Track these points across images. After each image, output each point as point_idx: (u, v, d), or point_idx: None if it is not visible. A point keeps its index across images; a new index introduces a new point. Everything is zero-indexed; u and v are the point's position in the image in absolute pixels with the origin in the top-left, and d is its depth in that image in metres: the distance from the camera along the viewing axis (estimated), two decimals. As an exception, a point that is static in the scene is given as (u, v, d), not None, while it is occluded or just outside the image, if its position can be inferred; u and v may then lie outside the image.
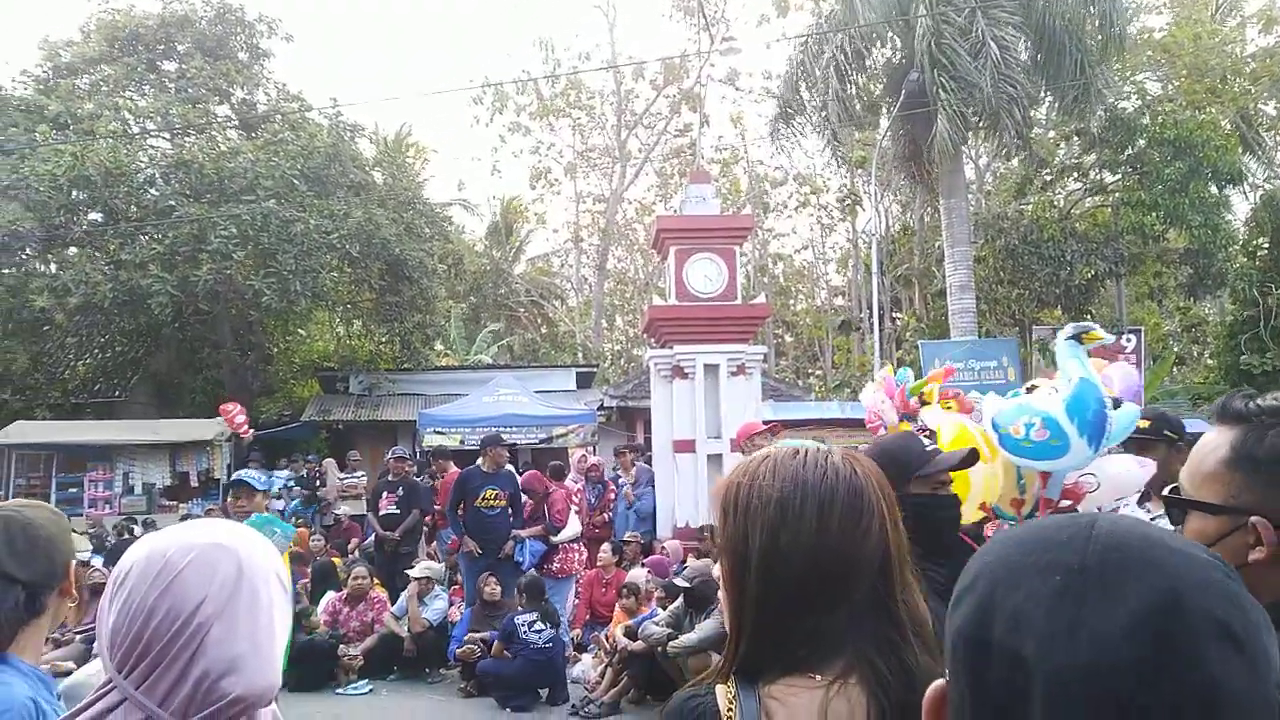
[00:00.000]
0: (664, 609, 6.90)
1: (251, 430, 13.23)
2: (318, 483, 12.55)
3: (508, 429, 12.45)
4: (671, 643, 6.29)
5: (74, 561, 1.62)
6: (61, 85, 15.40)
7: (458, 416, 13.54)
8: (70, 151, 13.46)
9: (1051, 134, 20.25)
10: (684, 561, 8.84)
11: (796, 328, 28.83)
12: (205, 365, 16.86)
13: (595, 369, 20.63)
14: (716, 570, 4.91)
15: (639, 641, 6.59)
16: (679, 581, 6.77)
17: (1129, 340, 16.85)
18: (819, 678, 1.03)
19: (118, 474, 13.19)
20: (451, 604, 8.14)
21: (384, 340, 17.12)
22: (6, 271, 14.23)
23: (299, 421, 15.91)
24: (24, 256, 14.43)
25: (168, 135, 15.73)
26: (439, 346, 22.46)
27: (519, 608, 7.11)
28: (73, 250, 14.67)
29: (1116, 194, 18.42)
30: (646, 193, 29.43)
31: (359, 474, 12.83)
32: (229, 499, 5.21)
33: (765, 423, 6.04)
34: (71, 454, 13.67)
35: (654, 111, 27.79)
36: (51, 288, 13.40)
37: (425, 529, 9.69)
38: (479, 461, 8.17)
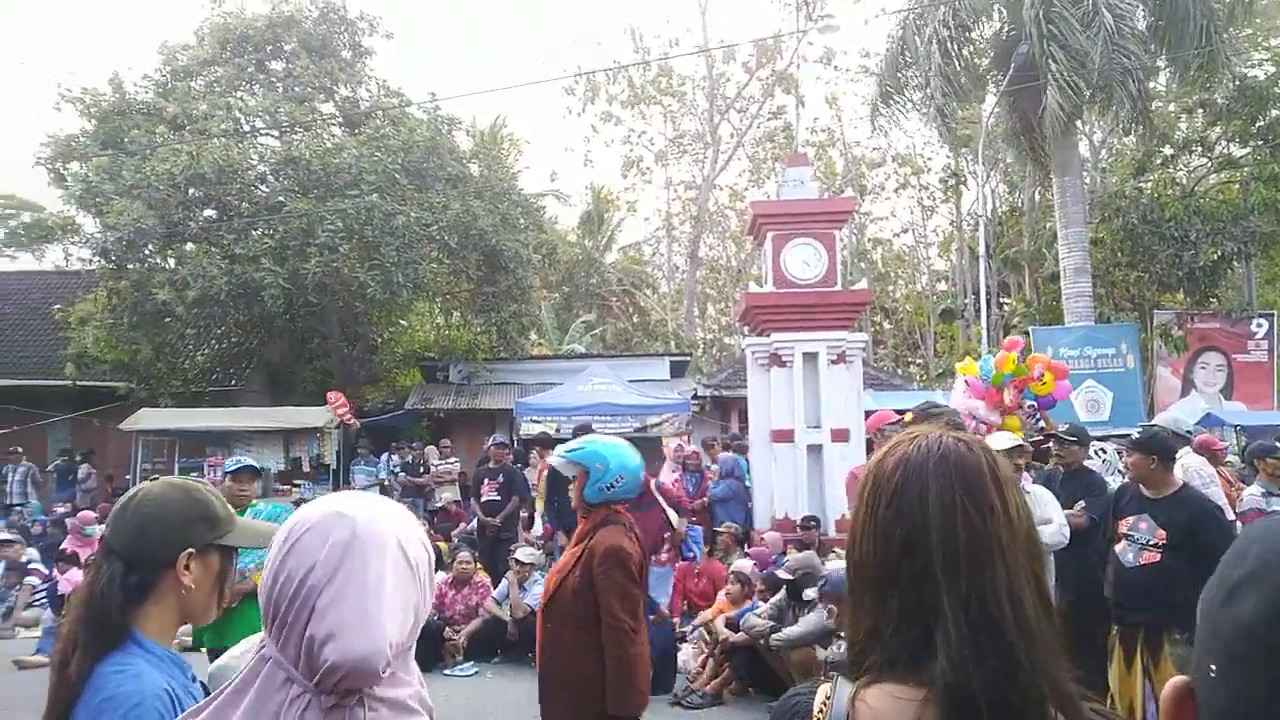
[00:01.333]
0: (765, 601, 6.77)
1: (356, 420, 13.68)
2: (421, 469, 12.89)
3: (601, 418, 12.51)
4: (774, 636, 6.15)
5: (189, 550, 1.54)
6: (178, 88, 16.17)
7: (553, 405, 13.68)
8: (187, 151, 14.14)
9: (1172, 107, 18.99)
10: (783, 553, 8.68)
11: (896, 314, 28.01)
12: (315, 355, 17.51)
13: (688, 358, 20.50)
14: (831, 564, 4.75)
15: (740, 633, 6.48)
16: (781, 573, 6.61)
17: (1259, 326, 15.69)
18: (916, 686, 0.98)
19: (234, 459, 13.84)
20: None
21: (481, 330, 17.42)
22: (131, 267, 15.04)
23: (402, 410, 16.37)
24: (146, 252, 15.20)
25: (276, 133, 16.34)
26: (533, 336, 22.78)
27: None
28: (189, 246, 15.43)
29: (1246, 169, 17.14)
30: (738, 178, 29.08)
31: (453, 460, 13.12)
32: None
33: (897, 411, 5.80)
34: (192, 439, 14.44)
35: (746, 95, 27.39)
36: (172, 282, 14.12)
37: (524, 516, 9.79)
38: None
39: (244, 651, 1.42)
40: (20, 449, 14.59)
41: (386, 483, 12.77)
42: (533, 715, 3.42)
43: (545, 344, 24.19)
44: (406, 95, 16.98)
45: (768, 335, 10.01)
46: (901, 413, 5.84)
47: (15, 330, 18.15)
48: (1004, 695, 0.93)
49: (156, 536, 1.53)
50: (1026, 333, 14.97)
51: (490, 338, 17.43)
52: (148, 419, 13.91)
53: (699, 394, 16.47)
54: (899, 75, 15.58)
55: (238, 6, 16.97)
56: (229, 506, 1.67)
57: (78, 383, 15.80)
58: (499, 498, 9.07)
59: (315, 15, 16.81)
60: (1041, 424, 7.47)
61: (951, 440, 1.08)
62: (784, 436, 9.76)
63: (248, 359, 17.36)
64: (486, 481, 9.17)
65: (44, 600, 9.28)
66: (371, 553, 1.08)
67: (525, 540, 9.22)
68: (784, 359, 9.88)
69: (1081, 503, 5.34)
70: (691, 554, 7.97)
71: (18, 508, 13.62)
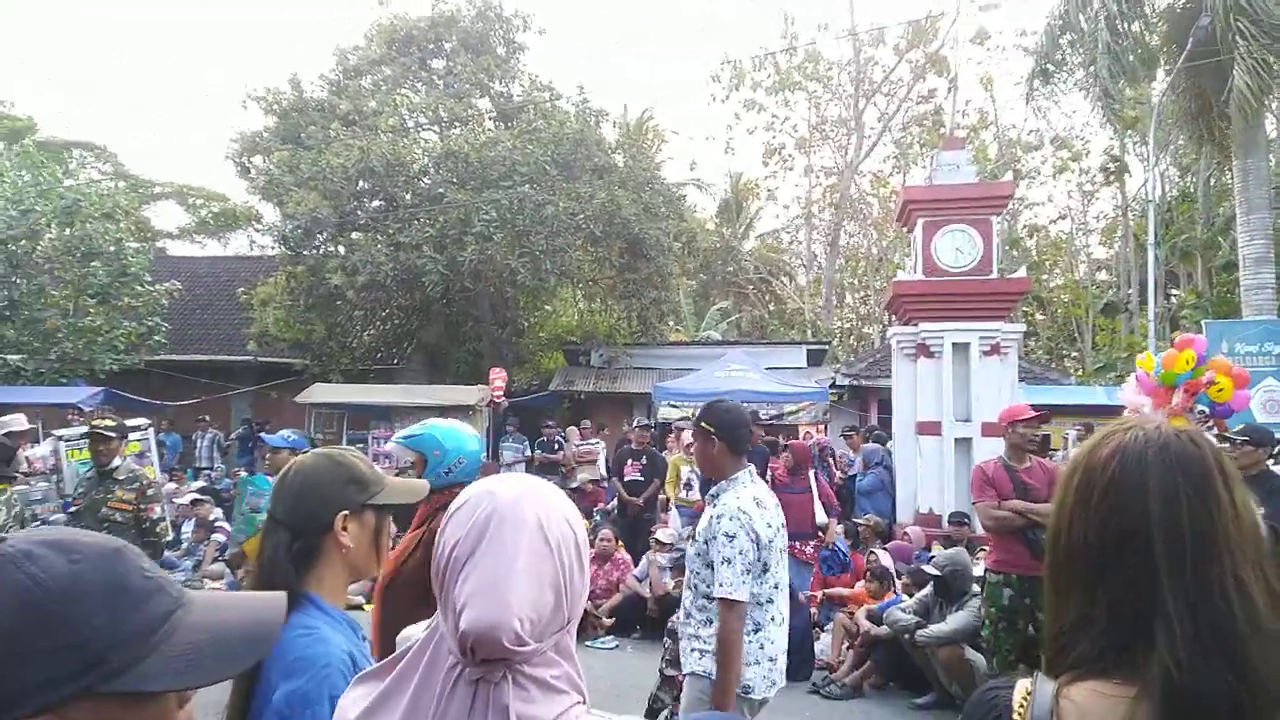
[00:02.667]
0: (910, 595, 6.73)
1: (504, 399, 14.37)
2: (557, 448, 13.41)
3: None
4: (920, 631, 6.13)
5: (344, 512, 1.65)
6: (350, 86, 17.34)
7: (691, 390, 13.88)
8: (358, 146, 15.17)
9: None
10: (926, 548, 8.54)
11: (1051, 305, 26.57)
12: (467, 338, 18.44)
13: (826, 347, 20.25)
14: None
15: (883, 627, 6.48)
16: (928, 569, 6.55)
17: None
18: (1124, 683, 0.95)
19: (396, 431, 14.82)
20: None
21: (622, 315, 17.86)
22: (307, 253, 16.29)
23: (546, 391, 17.02)
24: (321, 240, 16.44)
25: (437, 128, 17.26)
26: (671, 322, 23.08)
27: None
28: (355, 235, 16.53)
29: None
30: (882, 164, 28.30)
31: (594, 441, 13.55)
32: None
33: (1034, 408, 5.63)
34: (358, 413, 15.54)
35: (894, 79, 26.59)
36: (343, 267, 15.20)
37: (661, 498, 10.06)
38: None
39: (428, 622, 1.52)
40: (208, 417, 16.13)
41: (533, 459, 13.36)
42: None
43: (682, 330, 24.44)
44: (557, 89, 17.53)
45: (915, 324, 9.83)
46: (1039, 409, 5.67)
47: (205, 310, 19.99)
48: (1234, 696, 0.90)
49: (313, 503, 1.64)
50: (1199, 325, 13.93)
51: (631, 323, 17.84)
52: (319, 393, 15.08)
53: (837, 383, 16.28)
54: (1060, 52, 14.75)
55: (402, 9, 17.99)
56: (375, 468, 1.77)
57: (259, 359, 17.28)
58: (642, 478, 9.37)
59: (473, 14, 17.60)
60: (1214, 429, 7.03)
61: (1172, 432, 1.07)
62: (930, 429, 9.58)
63: (408, 340, 18.49)
64: (630, 462, 9.49)
65: (225, 556, 10.31)
66: (508, 529, 1.12)
67: (664, 521, 9.49)
68: (932, 349, 9.69)
69: (1261, 510, 5.04)
70: (835, 555, 7.97)
71: (206, 471, 15.08)
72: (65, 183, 16.40)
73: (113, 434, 4.74)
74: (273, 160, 16.52)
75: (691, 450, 10.19)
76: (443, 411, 14.81)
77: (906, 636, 6.26)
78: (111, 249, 15.26)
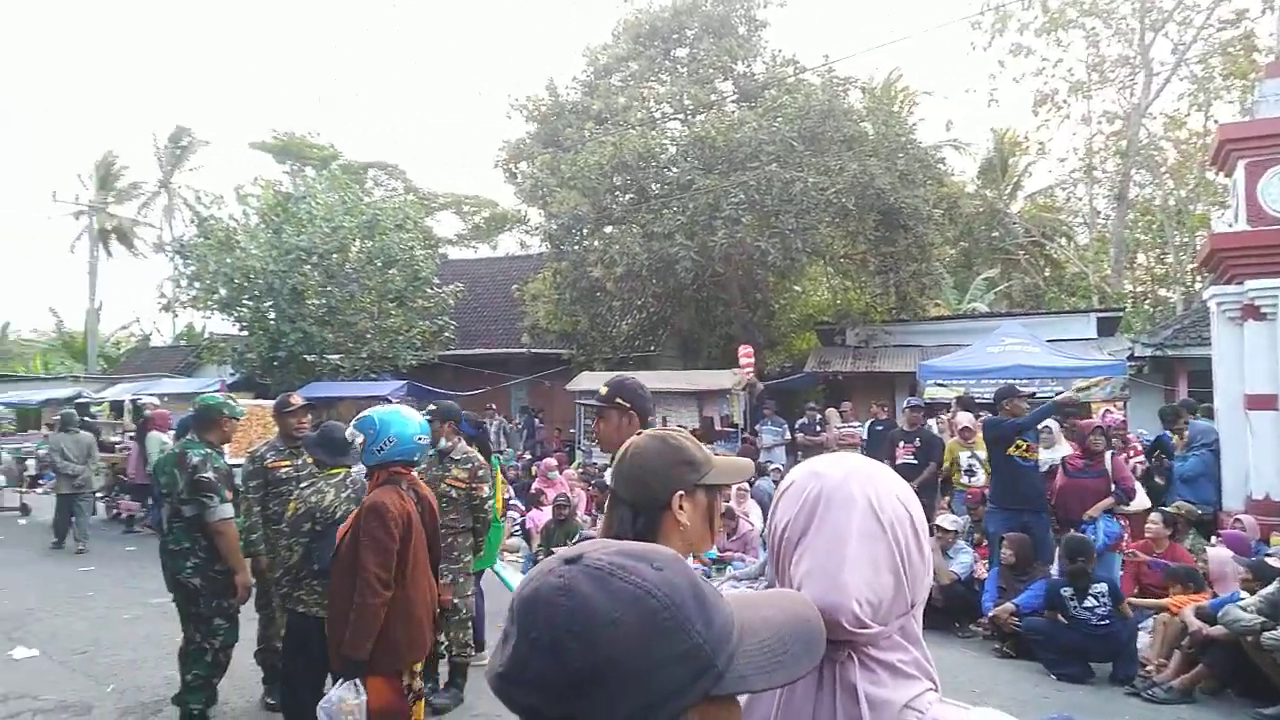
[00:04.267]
0: (1250, 593, 5.80)
1: (759, 381, 14.32)
2: (819, 429, 13.11)
3: (1017, 381, 11.57)
4: (1267, 634, 5.26)
5: (680, 492, 1.69)
6: (600, 85, 18.08)
7: (961, 367, 12.97)
8: (610, 142, 15.79)
9: None
10: (1262, 540, 7.39)
11: None
12: (719, 322, 18.62)
13: (1120, 314, 18.12)
14: None
15: (1218, 626, 5.64)
16: (1273, 563, 5.61)
17: None
18: None
19: (657, 417, 15.22)
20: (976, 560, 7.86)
21: (879, 291, 17.12)
22: (569, 249, 17.25)
23: (800, 373, 16.75)
24: (581, 235, 17.33)
25: (681, 117, 17.53)
26: (932, 296, 21.79)
27: (1051, 574, 6.58)
28: (610, 229, 17.22)
29: None
30: (1177, 103, 24.72)
31: (855, 424, 13.09)
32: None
33: None
34: (620, 399, 16.24)
35: (1189, 4, 23.08)
36: (602, 260, 15.92)
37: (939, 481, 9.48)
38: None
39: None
40: (494, 406, 17.64)
41: (794, 441, 13.20)
42: (955, 683, 3.24)
43: (943, 304, 23.02)
44: (800, 63, 17.13)
45: (1239, 282, 8.47)
46: None
47: (484, 308, 21.87)
48: None
49: (650, 482, 1.71)
50: None
51: (889, 299, 17.06)
52: (586, 381, 15.93)
53: (1135, 354, 14.50)
54: None
55: (646, 2, 18.41)
56: (704, 449, 1.79)
57: (532, 350, 18.62)
58: (915, 461, 8.88)
59: (714, -4, 17.65)
60: None
61: None
62: (1263, 403, 8.23)
63: (662, 326, 19.03)
64: (902, 445, 9.02)
65: (520, 532, 11.19)
66: (836, 510, 1.10)
67: (943, 506, 8.95)
68: (1262, 310, 8.30)
69: None
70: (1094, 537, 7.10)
71: (496, 454, 16.50)
72: (365, 200, 18.60)
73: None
74: (535, 165, 17.65)
75: (967, 434, 9.56)
76: (701, 396, 15.13)
77: (1249, 638, 5.40)
78: (405, 257, 17.11)
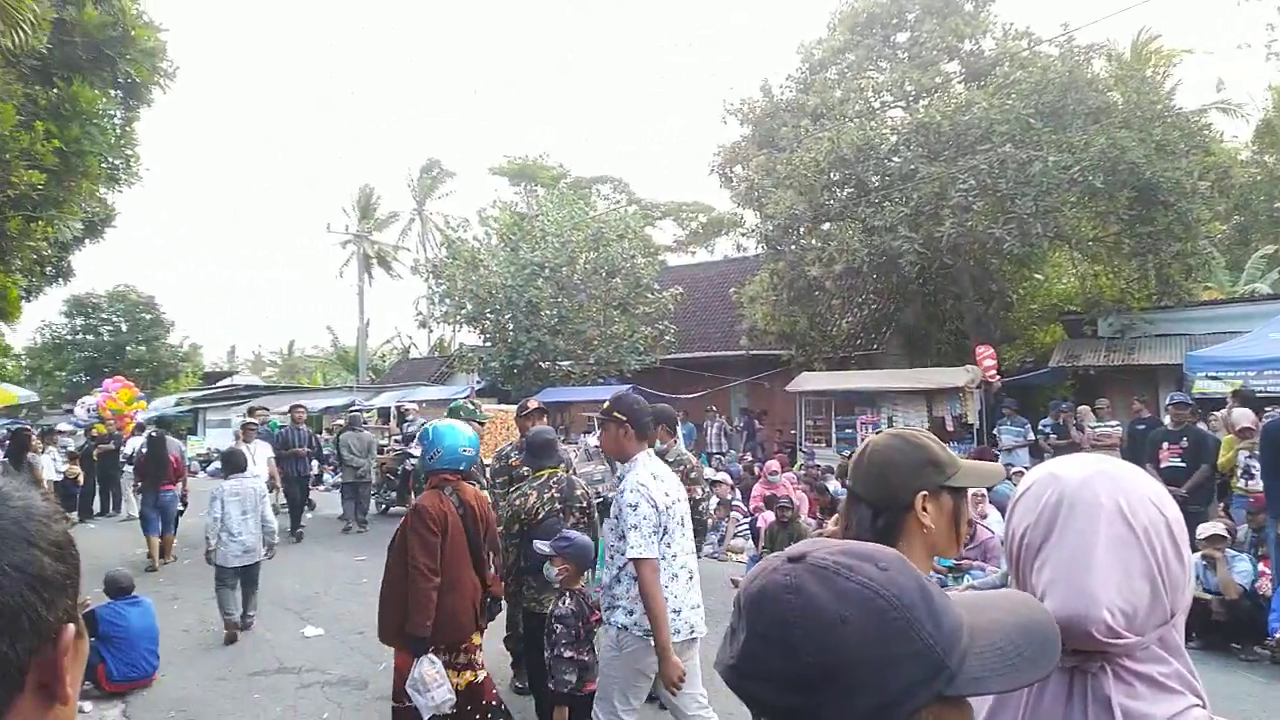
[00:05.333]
0: None
1: (999, 378, 13.42)
2: (1074, 429, 12.06)
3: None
4: None
5: (923, 493, 1.65)
6: (815, 81, 17.79)
7: (1237, 357, 11.37)
8: (827, 137, 15.48)
9: None
10: None
11: None
12: (948, 317, 17.68)
13: None
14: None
15: None
16: None
17: None
18: None
19: (883, 417, 14.80)
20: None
21: (1134, 276, 15.46)
22: (786, 249, 17.09)
23: (1045, 368, 15.52)
24: (797, 235, 17.14)
25: (903, 104, 16.84)
26: (1199, 278, 19.32)
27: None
28: (827, 225, 16.85)
29: None
30: None
31: (1113, 423, 11.90)
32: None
33: None
34: (843, 399, 15.88)
35: None
36: (820, 258, 15.65)
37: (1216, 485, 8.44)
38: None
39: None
40: (714, 407, 17.87)
41: (1038, 443, 12.25)
42: (1238, 711, 2.91)
43: (1215, 287, 20.35)
44: (1035, 33, 15.88)
45: None
46: None
47: (702, 311, 22.23)
48: None
49: (893, 483, 1.66)
50: None
51: (1147, 284, 15.36)
52: (807, 381, 15.75)
53: None
54: None
55: (862, -10, 17.90)
56: (949, 450, 1.73)
57: (750, 352, 18.67)
58: (1183, 464, 7.96)
59: (937, -25, 16.82)
60: None
61: None
62: None
63: (886, 324, 18.38)
64: (1166, 446, 8.13)
65: (746, 532, 11.26)
66: (1080, 514, 1.05)
67: (1221, 513, 7.95)
68: None
69: None
70: None
71: (717, 455, 16.72)
72: (591, 214, 19.55)
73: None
74: (750, 167, 17.70)
75: (1246, 434, 8.40)
76: (930, 395, 14.45)
77: None
78: (627, 265, 17.80)
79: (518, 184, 30.99)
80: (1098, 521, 1.05)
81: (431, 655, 3.88)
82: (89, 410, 17.45)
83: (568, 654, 3.83)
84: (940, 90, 16.07)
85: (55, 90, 6.10)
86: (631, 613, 3.54)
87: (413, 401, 17.17)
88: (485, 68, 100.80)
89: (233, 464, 7.68)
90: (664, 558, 3.54)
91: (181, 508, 11.42)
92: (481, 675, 4.19)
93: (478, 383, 20.05)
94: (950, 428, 14.12)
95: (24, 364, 34.94)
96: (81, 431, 17.24)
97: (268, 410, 15.65)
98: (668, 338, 18.67)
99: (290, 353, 45.68)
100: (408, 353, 38.84)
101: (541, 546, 4.03)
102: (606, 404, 3.71)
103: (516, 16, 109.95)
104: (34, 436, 12.85)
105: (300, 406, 13.79)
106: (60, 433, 16.43)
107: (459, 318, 18.56)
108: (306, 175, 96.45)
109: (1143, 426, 10.64)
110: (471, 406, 6.12)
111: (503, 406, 12.73)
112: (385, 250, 41.32)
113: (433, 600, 3.91)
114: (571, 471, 5.37)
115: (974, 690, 0.76)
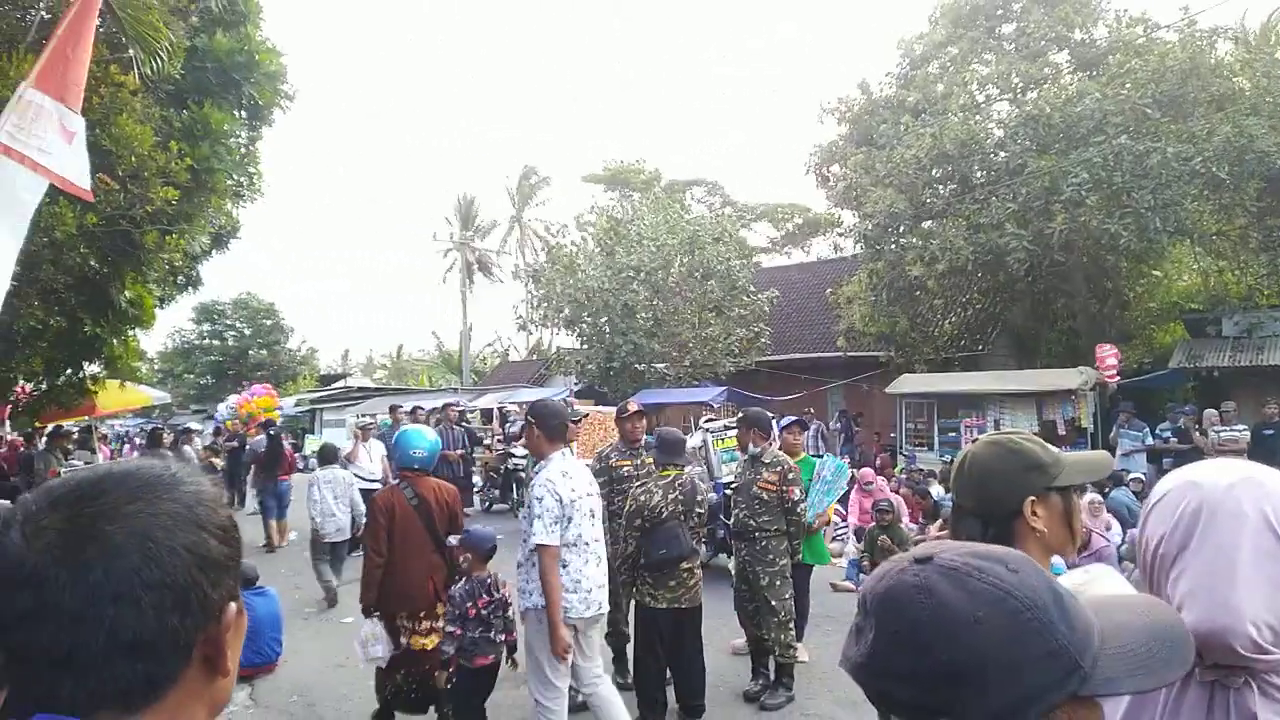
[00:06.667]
0: None
1: (1117, 377, 12.84)
2: (1196, 434, 11.43)
3: None
4: None
5: (1030, 498, 1.60)
6: (916, 76, 17.39)
7: (1386, 357, 10.63)
8: (929, 133, 15.12)
9: None
10: None
11: None
12: (1059, 316, 17.02)
13: None
14: None
15: None
16: None
17: None
18: None
19: (989, 420, 14.34)
20: None
21: (1264, 272, 14.53)
22: (885, 249, 16.74)
23: (1164, 369, 14.75)
24: (897, 234, 16.78)
25: (1009, 97, 16.30)
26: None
27: None
28: (929, 224, 16.40)
29: None
30: None
31: (1239, 428, 11.22)
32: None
33: None
34: (946, 401, 15.46)
35: None
36: (921, 257, 15.29)
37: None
38: None
39: None
40: (811, 410, 17.67)
41: (1156, 449, 11.67)
42: None
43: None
44: (1152, 19, 15.12)
45: None
46: None
47: (799, 313, 22.00)
48: None
49: (996, 492, 1.62)
50: None
51: (1276, 280, 14.42)
52: (908, 383, 15.41)
53: None
54: None
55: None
56: (1051, 449, 1.68)
57: (847, 353, 18.38)
58: (1321, 471, 7.45)
59: (1050, -39, 16.19)
60: None
61: None
62: None
63: (992, 324, 17.81)
64: (1301, 451, 7.64)
65: (845, 535, 11.13)
66: (1221, 523, 1.02)
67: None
68: None
69: None
70: None
71: (814, 458, 16.52)
72: (685, 218, 19.65)
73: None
74: (848, 166, 17.44)
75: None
76: (1040, 398, 13.92)
77: None
78: (722, 268, 17.81)
79: (612, 189, 31.38)
80: (1241, 533, 1.02)
81: (376, 618, 4.62)
82: (229, 408, 18.73)
83: (449, 629, 4.34)
84: (1049, 81, 15.48)
85: (187, 112, 6.56)
86: (543, 595, 3.98)
87: (514, 403, 17.63)
88: (578, 76, 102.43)
89: (325, 456, 8.70)
90: (575, 544, 4.09)
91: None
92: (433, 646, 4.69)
93: (575, 384, 20.42)
94: (1062, 431, 13.56)
95: (156, 367, 37.36)
96: (210, 431, 18.45)
97: (374, 416, 16.43)
98: (763, 340, 18.58)
99: (399, 356, 47.56)
100: (507, 355, 39.81)
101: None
102: (526, 410, 4.50)
103: (608, 23, 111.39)
104: (165, 434, 13.89)
105: (453, 405, 13.68)
106: (194, 432, 17.64)
107: (557, 321, 18.96)
108: (412, 186, 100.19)
109: (1270, 431, 10.02)
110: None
111: (601, 408, 12.93)
112: (486, 256, 42.51)
113: (377, 577, 4.64)
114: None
115: (1108, 690, 0.76)
